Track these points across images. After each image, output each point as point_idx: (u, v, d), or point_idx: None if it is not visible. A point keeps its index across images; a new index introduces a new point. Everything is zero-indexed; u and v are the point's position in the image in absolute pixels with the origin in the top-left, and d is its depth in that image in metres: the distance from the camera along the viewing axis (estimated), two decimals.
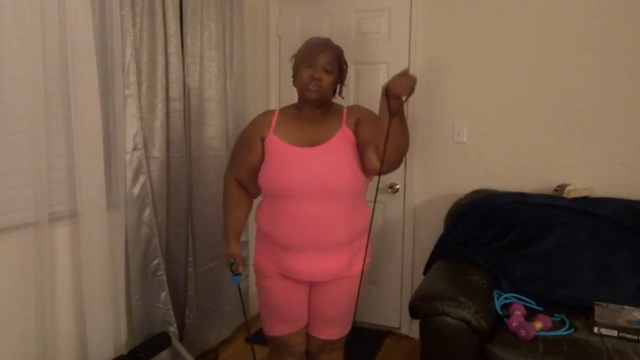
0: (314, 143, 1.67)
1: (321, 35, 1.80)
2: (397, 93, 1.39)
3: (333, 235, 1.65)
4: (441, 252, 2.44)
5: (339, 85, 1.80)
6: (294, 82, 1.76)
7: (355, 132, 1.68)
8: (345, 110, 1.76)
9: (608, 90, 2.42)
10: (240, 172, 1.80)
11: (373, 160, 1.61)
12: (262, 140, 1.72)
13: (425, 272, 2.40)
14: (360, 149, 1.66)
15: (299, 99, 1.76)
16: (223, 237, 1.88)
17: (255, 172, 1.74)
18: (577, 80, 2.48)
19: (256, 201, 1.88)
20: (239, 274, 1.86)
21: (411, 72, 1.41)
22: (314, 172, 1.61)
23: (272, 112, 1.80)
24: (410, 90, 1.39)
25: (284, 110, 1.80)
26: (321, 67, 1.67)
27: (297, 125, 1.72)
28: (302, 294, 1.77)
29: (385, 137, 1.49)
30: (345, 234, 1.67)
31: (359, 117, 1.70)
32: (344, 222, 1.66)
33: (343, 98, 1.84)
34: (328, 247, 1.67)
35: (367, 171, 1.67)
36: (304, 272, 1.69)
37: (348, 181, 1.64)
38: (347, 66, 1.79)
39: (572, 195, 2.32)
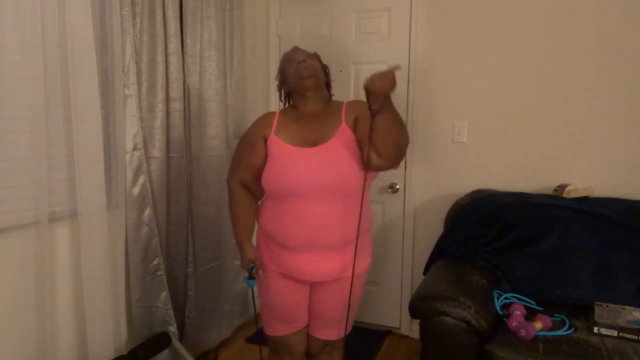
0: (314, 143, 1.67)
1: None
2: (375, 91, 1.42)
3: (336, 234, 1.65)
4: (441, 252, 2.44)
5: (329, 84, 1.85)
6: (288, 93, 1.83)
7: (354, 129, 1.69)
8: (344, 108, 1.76)
9: (608, 91, 2.42)
10: (245, 174, 1.79)
11: (374, 157, 1.62)
12: (265, 141, 1.72)
13: (425, 272, 2.40)
14: (360, 146, 1.66)
15: (296, 96, 1.78)
16: (236, 242, 1.84)
17: (259, 174, 1.73)
18: (578, 81, 2.48)
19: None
20: (255, 277, 1.78)
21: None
22: (315, 172, 1.61)
23: (272, 113, 1.81)
24: (390, 87, 1.42)
25: (283, 112, 1.80)
26: (302, 56, 1.74)
27: (298, 126, 1.72)
28: (303, 294, 1.77)
29: (369, 137, 1.53)
30: (348, 233, 1.67)
31: (358, 114, 1.70)
32: (347, 222, 1.66)
33: (333, 94, 1.89)
34: (330, 246, 1.66)
35: (369, 168, 1.67)
36: (306, 271, 1.69)
37: (349, 179, 1.64)
38: (327, 66, 1.86)
39: (572, 195, 2.32)
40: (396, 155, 1.60)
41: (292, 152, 1.66)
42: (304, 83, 1.71)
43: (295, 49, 1.82)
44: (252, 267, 1.76)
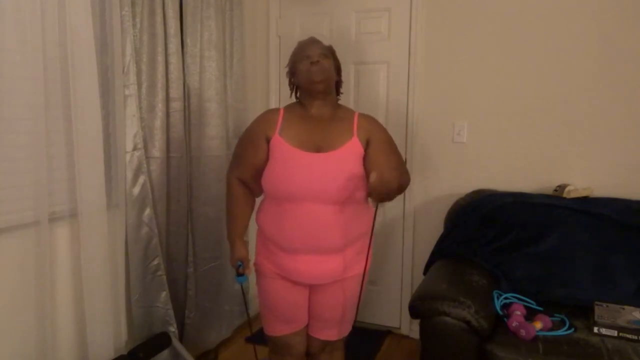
0: (320, 147, 1.65)
1: (320, 34, 1.81)
2: (376, 197, 1.50)
3: (334, 237, 1.65)
4: (441, 252, 2.44)
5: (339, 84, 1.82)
6: (297, 87, 1.79)
7: (366, 149, 1.69)
8: (356, 120, 1.73)
9: (608, 91, 2.42)
10: (245, 172, 1.78)
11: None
12: (268, 141, 1.69)
13: (425, 272, 2.40)
14: (367, 167, 1.68)
15: (304, 94, 1.75)
16: (227, 239, 1.85)
17: (259, 172, 1.71)
18: (578, 81, 2.48)
19: (257, 200, 1.87)
20: (243, 274, 1.82)
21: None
22: (319, 180, 1.60)
23: (277, 110, 1.76)
24: (389, 196, 1.49)
25: (289, 109, 1.76)
26: (317, 55, 1.69)
27: (304, 127, 1.69)
28: (302, 295, 1.77)
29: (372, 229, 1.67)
30: (346, 236, 1.66)
31: (371, 139, 1.70)
32: (345, 225, 1.65)
33: (342, 93, 1.85)
34: (328, 249, 1.66)
35: None
36: (304, 274, 1.69)
37: (353, 191, 1.63)
38: (339, 63, 1.81)
39: (572, 195, 2.32)
40: (398, 194, 1.65)
41: (296, 156, 1.63)
42: (313, 87, 1.69)
43: (311, 41, 1.76)
44: (240, 265, 1.78)
